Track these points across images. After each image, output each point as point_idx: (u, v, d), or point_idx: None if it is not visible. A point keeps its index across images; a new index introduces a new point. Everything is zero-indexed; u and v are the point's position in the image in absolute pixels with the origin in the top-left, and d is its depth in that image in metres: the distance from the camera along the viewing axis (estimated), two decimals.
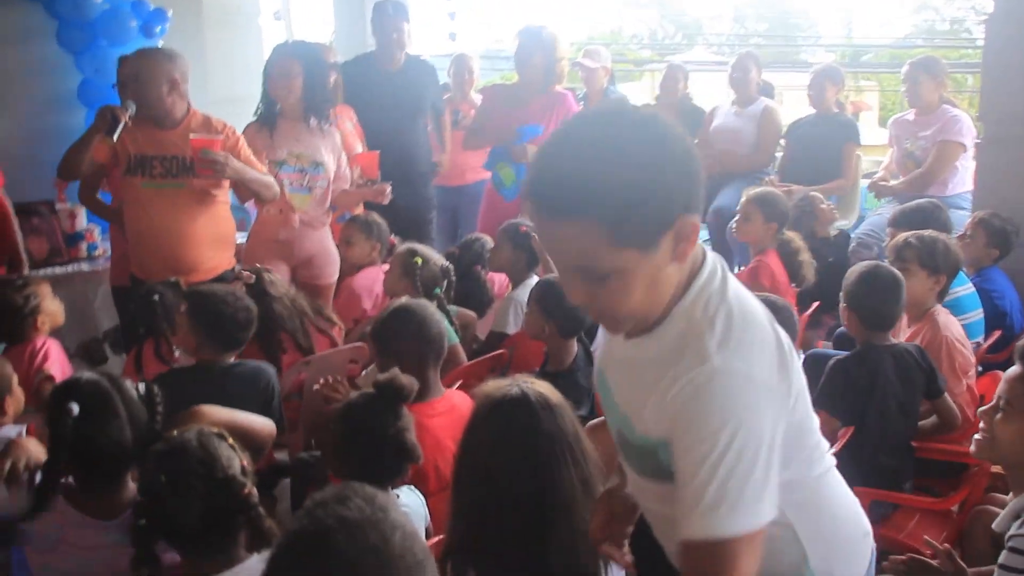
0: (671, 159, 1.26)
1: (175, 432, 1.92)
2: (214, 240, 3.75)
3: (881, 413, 2.87)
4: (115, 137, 3.49)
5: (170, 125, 3.66)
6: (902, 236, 3.43)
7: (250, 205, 4.35)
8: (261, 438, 2.37)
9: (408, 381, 2.24)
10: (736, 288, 1.40)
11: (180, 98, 3.67)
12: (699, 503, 1.24)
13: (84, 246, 4.95)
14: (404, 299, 2.97)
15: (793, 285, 4.02)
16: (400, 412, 2.21)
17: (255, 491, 1.87)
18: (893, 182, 5.25)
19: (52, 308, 3.43)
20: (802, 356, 3.69)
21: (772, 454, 1.28)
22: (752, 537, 1.25)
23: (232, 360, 2.95)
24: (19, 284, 3.36)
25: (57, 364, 3.27)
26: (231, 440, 1.92)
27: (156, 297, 3.29)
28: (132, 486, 2.11)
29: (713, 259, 1.41)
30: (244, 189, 3.79)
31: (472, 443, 1.93)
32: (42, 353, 3.28)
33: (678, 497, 1.29)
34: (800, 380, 1.42)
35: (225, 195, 3.81)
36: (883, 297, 2.99)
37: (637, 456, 1.46)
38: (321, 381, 2.86)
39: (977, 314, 3.71)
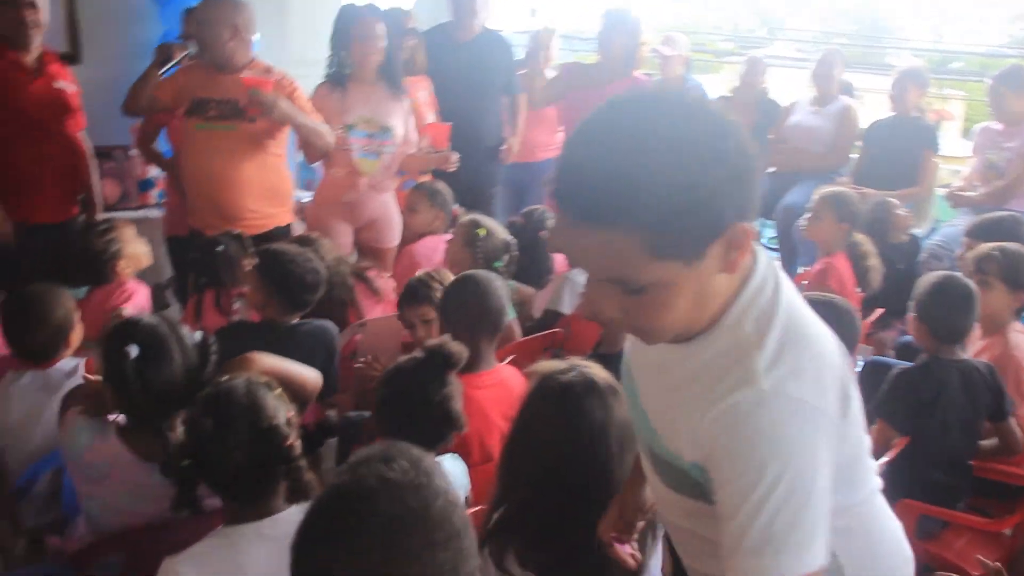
0: (724, 157, 1.08)
1: (224, 378, 1.93)
2: (263, 191, 3.77)
3: (942, 429, 2.79)
4: (162, 72, 3.60)
5: (230, 70, 3.70)
6: (985, 247, 3.30)
7: (317, 165, 4.37)
8: (308, 389, 2.39)
9: (458, 348, 2.22)
10: (791, 299, 1.24)
11: (242, 45, 3.71)
12: (741, 543, 1.12)
13: (154, 193, 5.04)
14: (472, 270, 2.98)
15: (858, 290, 3.92)
16: (447, 379, 2.20)
17: (298, 443, 1.87)
18: (971, 193, 5.09)
19: (135, 251, 3.52)
20: (861, 363, 3.62)
21: (825, 492, 1.14)
22: None
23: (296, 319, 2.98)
24: (102, 229, 3.44)
25: (137, 308, 3.34)
26: (279, 390, 1.93)
27: (220, 248, 3.32)
28: (179, 430, 2.13)
29: (766, 264, 1.24)
30: (312, 147, 3.79)
31: (525, 423, 1.92)
32: (125, 295, 3.37)
33: (720, 531, 1.16)
34: (857, 402, 1.27)
35: (280, 147, 3.82)
36: (954, 309, 2.89)
37: (665, 471, 1.31)
38: (362, 360, 2.87)
39: None
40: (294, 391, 2.23)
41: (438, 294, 2.95)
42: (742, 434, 1.13)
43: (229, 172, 3.69)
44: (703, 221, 1.08)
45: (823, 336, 1.25)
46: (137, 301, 3.40)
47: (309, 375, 2.40)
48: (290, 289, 2.93)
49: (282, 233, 3.82)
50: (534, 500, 1.81)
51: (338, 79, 4.13)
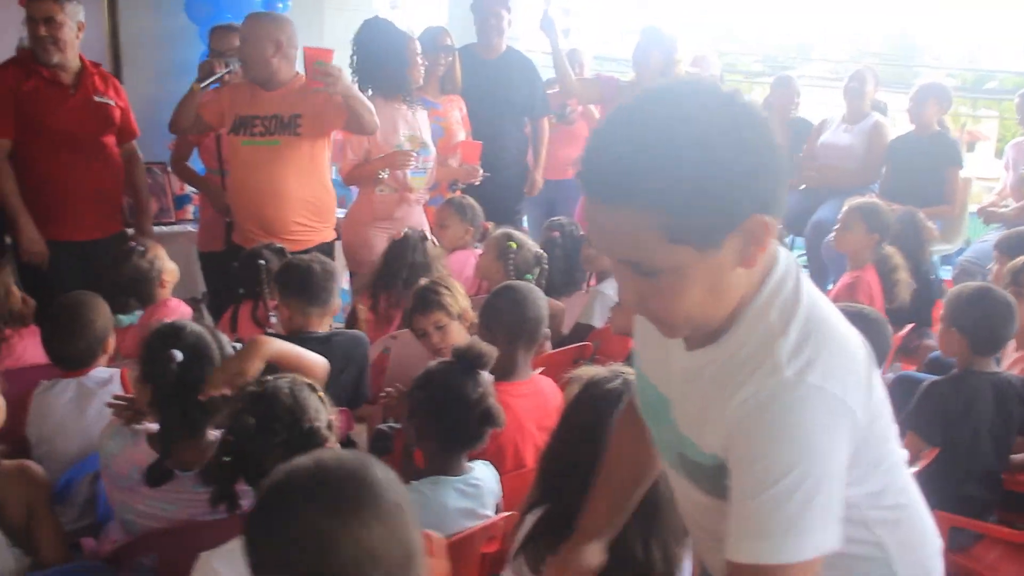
0: (749, 148, 1.09)
1: (270, 378, 1.95)
2: (308, 205, 3.79)
3: (973, 441, 2.76)
4: (203, 87, 3.65)
5: (274, 87, 3.73)
6: (1021, 260, 3.28)
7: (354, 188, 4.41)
8: (316, 374, 2.34)
9: (487, 349, 2.23)
10: (812, 292, 1.24)
11: (285, 61, 3.73)
12: (751, 526, 1.14)
13: (191, 209, 5.11)
14: (512, 281, 3.04)
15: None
16: (480, 379, 2.21)
17: (337, 447, 1.88)
18: (1004, 208, 5.04)
19: (170, 266, 3.57)
20: (890, 378, 3.57)
21: (838, 482, 1.15)
22: (805, 567, 1.13)
23: (328, 328, 2.99)
24: (141, 251, 3.49)
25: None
26: (322, 393, 1.94)
27: (262, 262, 3.36)
28: (212, 438, 2.15)
29: (787, 258, 1.24)
30: (361, 124, 3.75)
31: (568, 428, 1.92)
32: (173, 311, 3.43)
33: (729, 512, 1.18)
34: (881, 392, 1.27)
35: (324, 161, 3.84)
36: (995, 319, 2.85)
37: (700, 476, 1.30)
38: (384, 393, 2.88)
39: None
40: (302, 375, 2.24)
41: (447, 299, 2.98)
42: (762, 421, 1.13)
43: (275, 187, 3.72)
44: (720, 209, 1.09)
45: (847, 332, 1.24)
46: (182, 316, 3.45)
47: (317, 360, 2.37)
48: (306, 286, 2.93)
49: (326, 249, 3.84)
50: (576, 506, 1.81)
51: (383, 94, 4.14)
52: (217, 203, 4.26)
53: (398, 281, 3.60)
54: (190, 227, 4.96)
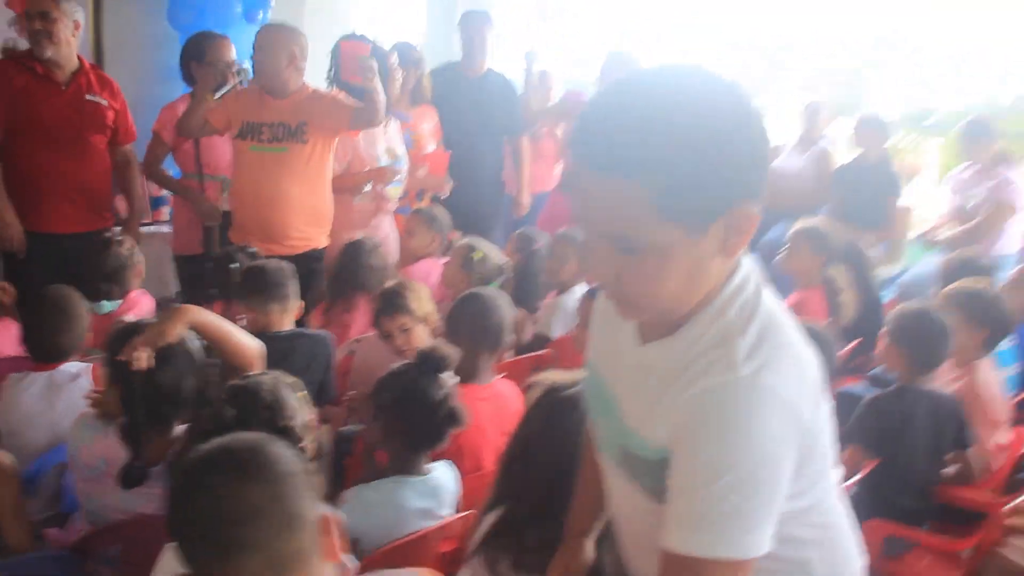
0: (746, 135, 1.06)
1: (253, 373, 1.98)
2: (308, 212, 3.77)
3: (909, 454, 2.79)
4: (216, 96, 3.64)
5: (283, 95, 3.73)
6: (953, 286, 3.34)
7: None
8: (246, 355, 2.29)
9: (450, 351, 2.23)
10: (772, 301, 1.20)
11: (296, 72, 3.73)
12: (691, 516, 1.10)
13: (166, 210, 5.04)
14: (478, 288, 3.05)
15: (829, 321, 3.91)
16: (443, 380, 2.20)
17: (312, 448, 1.87)
18: (944, 232, 5.15)
19: (140, 259, 3.53)
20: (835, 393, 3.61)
21: (780, 485, 1.12)
22: (737, 566, 1.10)
23: (290, 327, 2.97)
24: (118, 240, 3.46)
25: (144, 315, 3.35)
26: (303, 392, 1.94)
27: (234, 265, 3.33)
28: (178, 433, 2.13)
29: (750, 264, 1.20)
30: (373, 113, 3.73)
31: (528, 432, 1.91)
32: (136, 305, 3.40)
33: (667, 501, 1.15)
34: (827, 409, 1.22)
35: (326, 170, 3.82)
36: (932, 339, 2.90)
37: (650, 474, 1.22)
38: (347, 396, 2.88)
39: (1014, 368, 3.59)
40: (229, 353, 2.23)
41: (412, 304, 2.98)
42: (712, 416, 1.10)
43: (279, 191, 3.69)
44: (714, 190, 1.05)
45: (802, 345, 1.21)
46: (144, 310, 3.40)
47: (249, 343, 2.31)
48: (256, 282, 2.93)
49: (318, 256, 3.83)
50: (534, 508, 1.80)
51: None
52: (199, 207, 4.20)
53: (351, 286, 3.58)
54: (165, 228, 4.90)
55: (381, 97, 3.67)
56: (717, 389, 1.11)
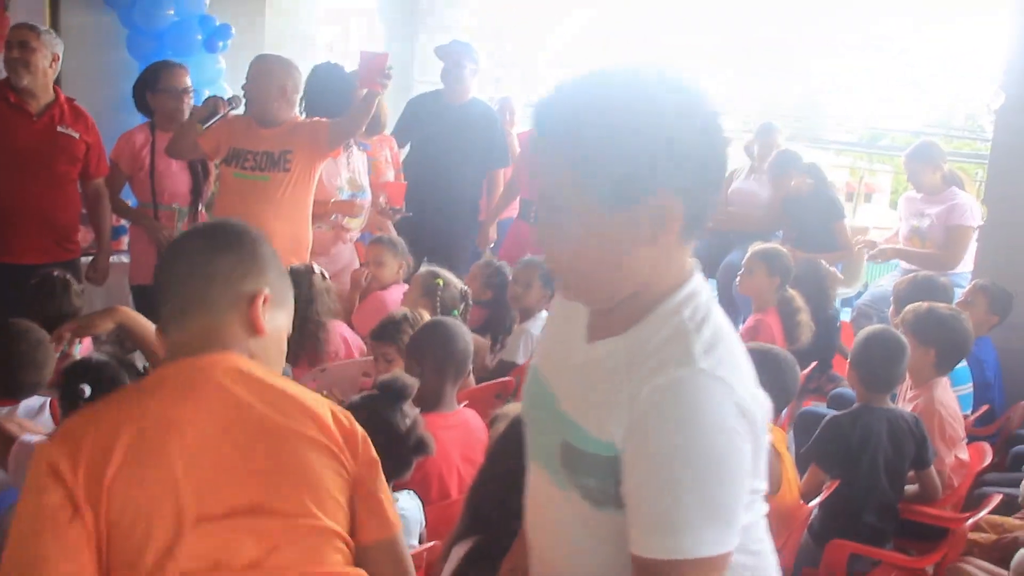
0: (679, 125, 1.11)
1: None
2: (288, 240, 3.72)
3: (870, 473, 2.82)
4: (205, 126, 3.64)
5: (270, 126, 3.73)
6: (908, 308, 3.39)
7: None
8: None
9: (410, 380, 2.21)
10: (721, 314, 1.21)
11: (287, 104, 3.75)
12: (656, 518, 1.09)
13: (125, 240, 4.96)
14: (440, 316, 3.02)
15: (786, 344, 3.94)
16: (406, 410, 2.18)
17: None
18: (898, 246, 5.19)
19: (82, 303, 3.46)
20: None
21: (743, 478, 1.11)
22: (711, 563, 1.09)
23: None
24: (78, 290, 3.41)
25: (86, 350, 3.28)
26: None
27: None
28: None
29: (703, 281, 1.23)
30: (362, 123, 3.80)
31: (496, 462, 1.91)
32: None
33: (629, 506, 1.12)
34: (767, 439, 1.20)
35: (308, 199, 3.82)
36: (885, 360, 2.93)
37: (593, 471, 1.19)
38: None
39: (967, 388, 3.65)
40: (153, 352, 2.27)
41: (405, 338, 2.94)
42: (671, 408, 1.09)
43: (259, 220, 3.61)
44: (624, 174, 1.11)
45: (750, 367, 1.20)
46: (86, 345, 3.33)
47: None
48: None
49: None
50: (506, 539, 1.78)
51: None
52: (156, 235, 4.17)
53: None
54: (124, 258, 4.82)
55: (374, 107, 3.71)
56: (676, 383, 1.10)
